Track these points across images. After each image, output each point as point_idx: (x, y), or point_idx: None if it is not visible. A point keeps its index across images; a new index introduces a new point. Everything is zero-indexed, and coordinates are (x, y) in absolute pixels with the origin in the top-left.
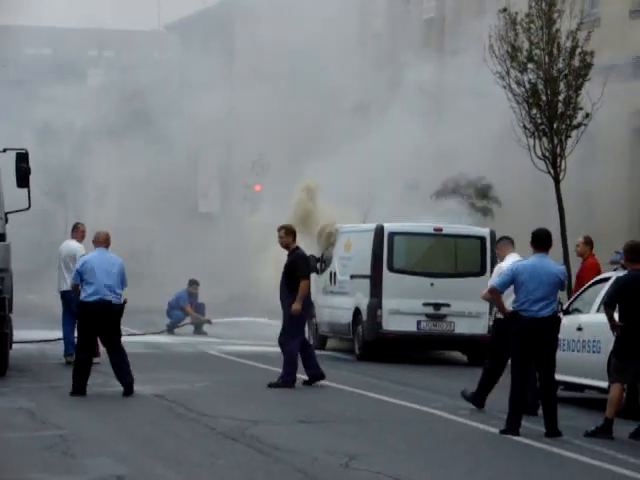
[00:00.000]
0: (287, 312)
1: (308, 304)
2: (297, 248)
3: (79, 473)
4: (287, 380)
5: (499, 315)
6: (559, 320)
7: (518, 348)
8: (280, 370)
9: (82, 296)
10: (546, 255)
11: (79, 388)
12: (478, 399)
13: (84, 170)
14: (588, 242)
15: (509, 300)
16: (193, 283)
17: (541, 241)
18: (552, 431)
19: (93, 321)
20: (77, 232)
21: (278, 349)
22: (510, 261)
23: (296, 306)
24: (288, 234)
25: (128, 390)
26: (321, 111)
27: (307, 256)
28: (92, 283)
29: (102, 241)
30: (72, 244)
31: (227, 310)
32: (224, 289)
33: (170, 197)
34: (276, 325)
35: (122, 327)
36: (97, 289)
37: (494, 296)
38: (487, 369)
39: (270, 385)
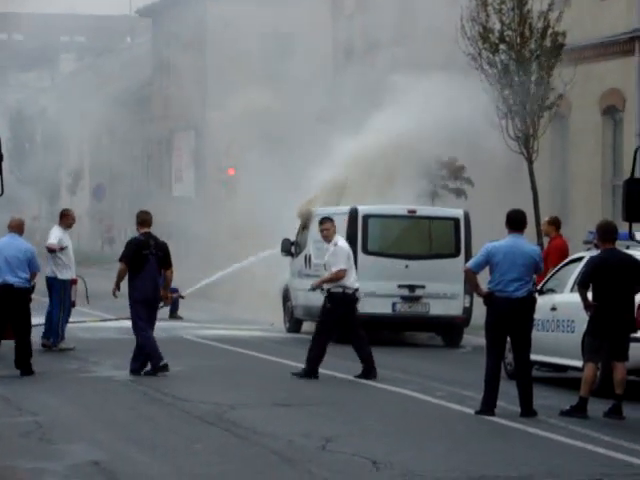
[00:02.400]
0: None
1: (138, 289)
2: (140, 234)
3: (56, 459)
4: (155, 365)
5: (335, 290)
6: (534, 301)
7: (493, 328)
8: (256, 354)
9: None
10: (521, 236)
11: None
12: (311, 370)
13: (58, 155)
14: (552, 222)
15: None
16: None
17: (516, 222)
18: (527, 411)
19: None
20: (67, 218)
21: (252, 333)
22: (340, 241)
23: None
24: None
25: (24, 372)
26: (293, 96)
27: (130, 240)
28: None
29: (14, 226)
30: (53, 230)
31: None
32: (198, 273)
33: (145, 181)
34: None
35: (97, 312)
36: (0, 273)
37: (468, 277)
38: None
39: (146, 373)
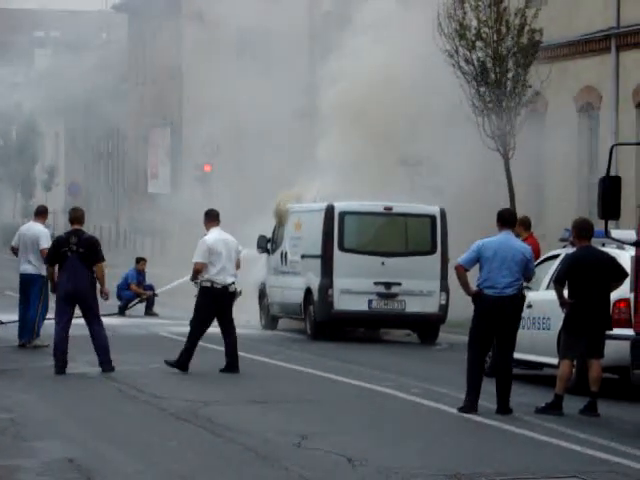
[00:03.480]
0: None
1: (59, 286)
2: (66, 232)
3: (30, 456)
4: (57, 365)
5: (204, 284)
6: (523, 298)
7: (480, 326)
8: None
9: None
10: (511, 233)
11: None
12: (181, 361)
13: (33, 151)
14: (520, 222)
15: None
16: (140, 260)
17: (507, 219)
18: (503, 408)
19: None
20: (46, 215)
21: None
22: (214, 234)
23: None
24: None
25: None
26: (271, 92)
27: (53, 239)
28: None
29: None
30: (36, 227)
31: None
32: (174, 270)
33: (120, 178)
34: None
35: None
36: None
37: (459, 273)
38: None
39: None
